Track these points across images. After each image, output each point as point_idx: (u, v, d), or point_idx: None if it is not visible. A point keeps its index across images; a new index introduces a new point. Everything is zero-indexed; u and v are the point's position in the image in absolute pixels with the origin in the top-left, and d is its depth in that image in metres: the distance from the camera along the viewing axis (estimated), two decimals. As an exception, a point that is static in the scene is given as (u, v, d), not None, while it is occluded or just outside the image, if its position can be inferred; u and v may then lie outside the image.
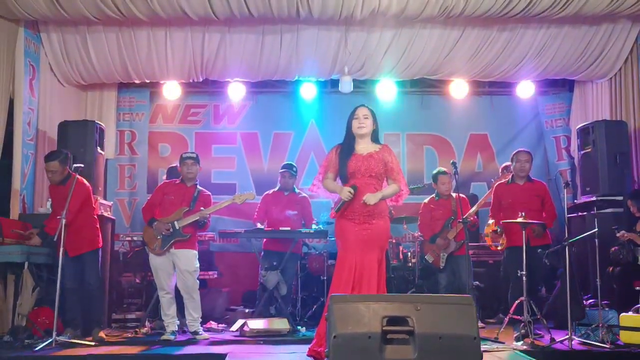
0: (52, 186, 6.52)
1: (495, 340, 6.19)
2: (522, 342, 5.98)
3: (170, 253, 6.56)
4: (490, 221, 7.17)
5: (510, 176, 7.08)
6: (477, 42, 8.05)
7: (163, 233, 6.50)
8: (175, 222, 6.52)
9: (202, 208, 6.62)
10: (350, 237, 5.02)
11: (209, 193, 6.90)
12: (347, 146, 5.08)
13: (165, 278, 6.58)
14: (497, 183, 7.23)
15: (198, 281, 6.70)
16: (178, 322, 6.72)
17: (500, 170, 7.72)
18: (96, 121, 7.80)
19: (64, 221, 5.98)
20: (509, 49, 8.12)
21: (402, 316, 3.73)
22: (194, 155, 6.78)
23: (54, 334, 5.88)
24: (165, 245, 6.51)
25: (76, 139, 7.29)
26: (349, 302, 3.83)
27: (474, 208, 7.39)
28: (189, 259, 6.59)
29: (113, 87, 8.98)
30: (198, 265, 6.69)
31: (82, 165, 6.40)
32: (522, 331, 6.08)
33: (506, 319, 6.40)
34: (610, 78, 8.50)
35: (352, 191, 4.97)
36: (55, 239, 6.00)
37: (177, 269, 6.58)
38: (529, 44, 8.06)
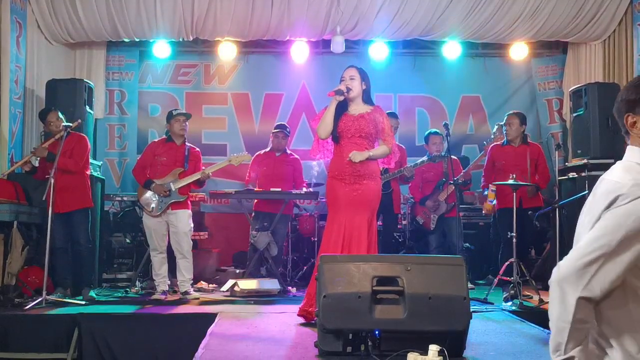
0: (46, 142, 6.49)
1: (485, 301, 6.24)
2: (510, 303, 6.03)
3: (166, 214, 6.56)
4: (491, 198, 7.02)
5: (504, 138, 7.08)
6: (471, 2, 7.96)
7: (161, 195, 6.49)
8: (171, 184, 6.52)
9: (203, 167, 6.62)
10: (340, 198, 5.00)
11: (198, 150, 6.91)
12: (339, 106, 5.02)
13: (159, 239, 6.60)
14: (492, 145, 7.23)
15: (192, 241, 6.72)
16: (169, 282, 6.74)
17: (496, 130, 7.62)
18: (85, 80, 7.70)
19: (52, 180, 5.94)
20: (503, 10, 8.03)
21: (392, 276, 3.74)
22: (182, 111, 6.75)
23: (44, 293, 5.89)
24: (162, 207, 6.52)
25: (65, 98, 7.17)
26: (339, 263, 3.83)
27: (466, 169, 7.41)
28: (184, 219, 6.62)
29: (102, 46, 8.83)
30: (192, 225, 6.72)
31: (80, 121, 6.42)
32: (512, 292, 6.13)
33: (495, 280, 6.44)
34: (604, 40, 8.45)
35: (347, 85, 4.96)
36: (43, 198, 5.96)
37: (172, 230, 6.60)
38: (523, 4, 7.98)
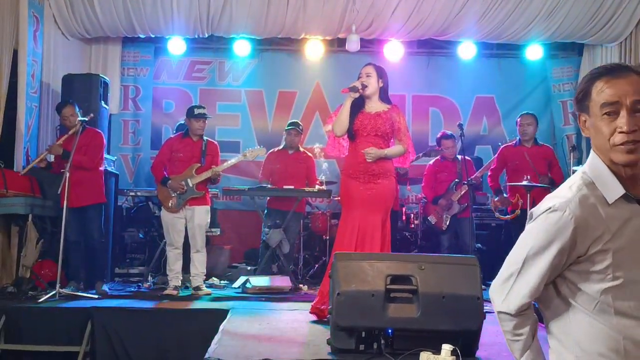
0: (61, 137, 6.55)
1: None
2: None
3: (184, 209, 6.61)
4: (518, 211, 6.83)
5: (517, 139, 7.05)
6: (487, 2, 7.89)
7: (178, 192, 6.52)
8: (189, 180, 6.55)
9: (213, 166, 6.65)
10: (354, 196, 5.00)
11: (216, 143, 6.96)
12: (356, 103, 5.01)
13: (175, 234, 6.63)
14: (504, 145, 7.21)
15: (206, 236, 6.77)
16: (181, 277, 6.77)
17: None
18: (101, 75, 7.73)
19: (67, 174, 5.98)
20: (519, 10, 7.97)
21: (406, 275, 3.74)
22: (205, 112, 6.76)
23: (57, 286, 5.93)
24: (181, 203, 6.57)
25: (81, 93, 7.21)
26: (353, 260, 3.84)
27: (479, 171, 7.39)
28: (202, 214, 6.69)
29: (117, 42, 8.86)
30: (209, 220, 6.77)
31: (92, 115, 6.46)
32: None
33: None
34: (620, 42, 8.37)
35: (364, 81, 4.96)
36: (59, 192, 6.00)
37: (190, 224, 6.64)
38: (540, 5, 7.91)
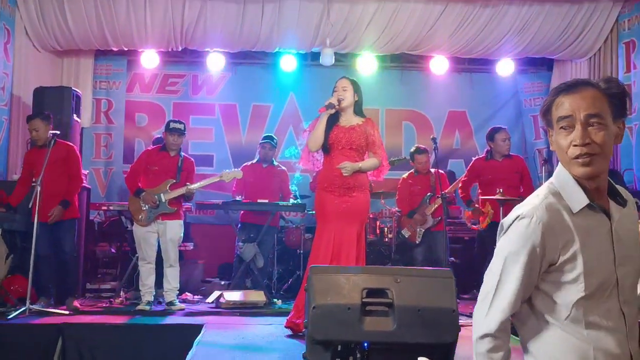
0: (31, 151, 6.47)
1: (470, 316, 6.24)
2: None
3: (156, 223, 6.54)
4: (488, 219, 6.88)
5: (487, 151, 7.10)
6: (460, 17, 8.02)
7: (150, 205, 6.46)
8: (162, 195, 6.49)
9: (187, 183, 6.59)
10: (329, 210, 5.01)
11: (192, 160, 6.90)
12: (330, 117, 5.03)
13: (148, 249, 6.55)
14: (476, 158, 7.27)
15: (179, 251, 6.70)
16: (154, 292, 6.69)
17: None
18: (73, 88, 7.66)
19: (39, 188, 5.90)
20: (491, 26, 8.11)
21: (382, 288, 3.72)
22: (181, 127, 6.71)
23: (28, 302, 5.83)
24: (151, 217, 6.49)
25: (52, 105, 7.10)
26: (329, 274, 3.81)
27: (453, 185, 7.43)
28: (174, 228, 6.61)
29: (90, 54, 8.79)
30: (182, 235, 6.70)
31: (58, 132, 6.35)
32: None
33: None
34: (590, 58, 8.56)
35: (340, 97, 4.97)
36: (30, 206, 5.91)
37: (162, 238, 6.57)
38: (512, 21, 8.06)
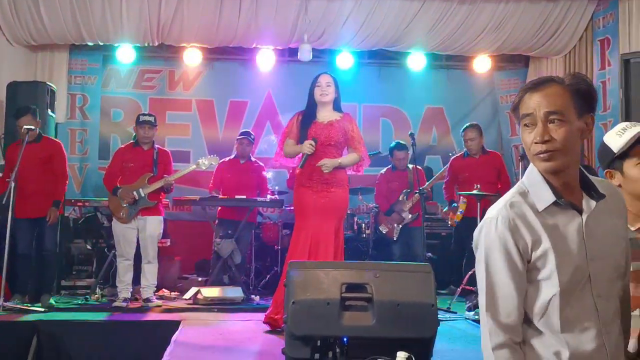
0: (13, 146, 6.39)
1: (448, 310, 6.29)
2: (474, 312, 6.08)
3: (136, 220, 6.49)
4: (461, 209, 6.91)
5: (465, 150, 7.15)
6: (437, 14, 8.04)
7: (127, 202, 6.40)
8: (141, 190, 6.45)
9: (165, 175, 6.55)
10: (307, 205, 5.02)
11: (168, 151, 6.88)
12: (308, 114, 5.04)
13: (127, 245, 6.52)
14: (453, 157, 7.30)
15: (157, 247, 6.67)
16: (131, 289, 6.64)
17: None
18: (47, 83, 7.55)
19: (13, 184, 5.83)
20: (468, 23, 8.14)
21: (361, 283, 3.73)
22: (152, 120, 6.67)
23: (1, 299, 5.76)
24: (133, 213, 6.46)
25: (26, 101, 6.99)
26: (308, 269, 3.81)
27: (430, 181, 7.46)
28: (154, 224, 6.59)
29: (64, 49, 8.65)
30: (161, 231, 6.67)
31: (32, 127, 6.26)
32: (475, 301, 6.18)
33: (459, 290, 6.50)
34: (565, 55, 8.63)
35: (312, 143, 4.95)
36: (3, 202, 5.83)
37: (142, 235, 6.53)
38: (488, 18, 8.10)
